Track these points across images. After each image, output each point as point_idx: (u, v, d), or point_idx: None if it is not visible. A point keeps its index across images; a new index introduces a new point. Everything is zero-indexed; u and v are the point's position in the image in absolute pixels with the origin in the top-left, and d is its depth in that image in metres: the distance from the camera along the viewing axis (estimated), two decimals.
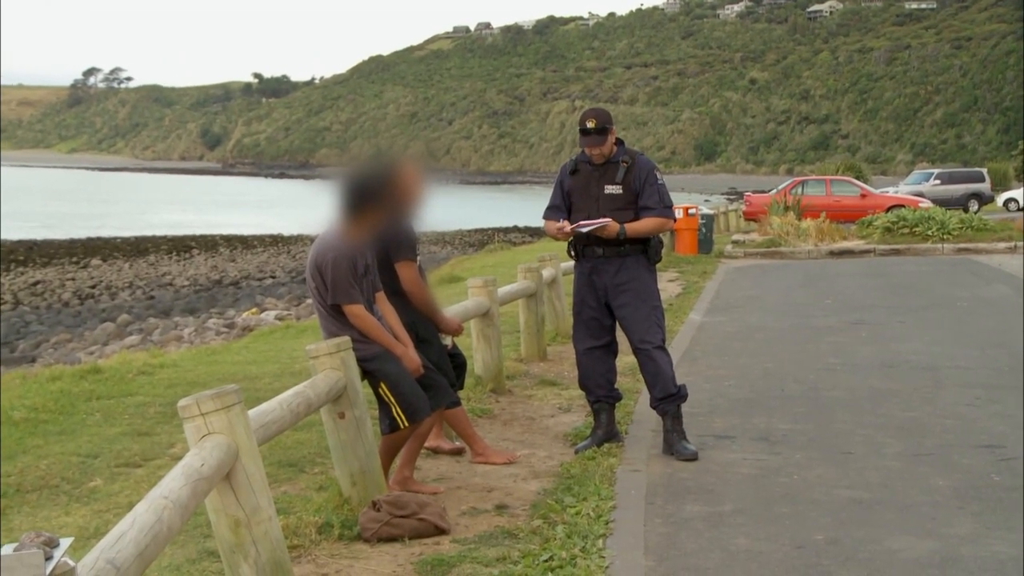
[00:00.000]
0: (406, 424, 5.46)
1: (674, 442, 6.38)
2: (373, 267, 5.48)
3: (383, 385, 5.43)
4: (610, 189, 6.33)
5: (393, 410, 5.44)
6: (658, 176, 6.40)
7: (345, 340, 5.23)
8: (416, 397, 5.46)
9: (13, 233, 45.50)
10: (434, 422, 5.97)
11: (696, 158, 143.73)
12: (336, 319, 5.37)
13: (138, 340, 19.03)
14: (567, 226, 6.34)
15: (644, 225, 6.32)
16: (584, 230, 6.25)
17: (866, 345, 10.43)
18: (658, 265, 6.63)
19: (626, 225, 6.27)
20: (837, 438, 6.75)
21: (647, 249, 6.40)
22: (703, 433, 6.86)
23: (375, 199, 5.41)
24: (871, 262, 21.27)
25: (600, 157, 6.34)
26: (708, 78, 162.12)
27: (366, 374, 5.47)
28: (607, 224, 6.22)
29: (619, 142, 6.45)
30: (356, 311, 5.32)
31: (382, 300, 5.57)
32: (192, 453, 3.62)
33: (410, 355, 5.50)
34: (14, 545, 2.26)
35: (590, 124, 6.27)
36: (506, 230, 48.18)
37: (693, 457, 6.28)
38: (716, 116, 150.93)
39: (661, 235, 6.58)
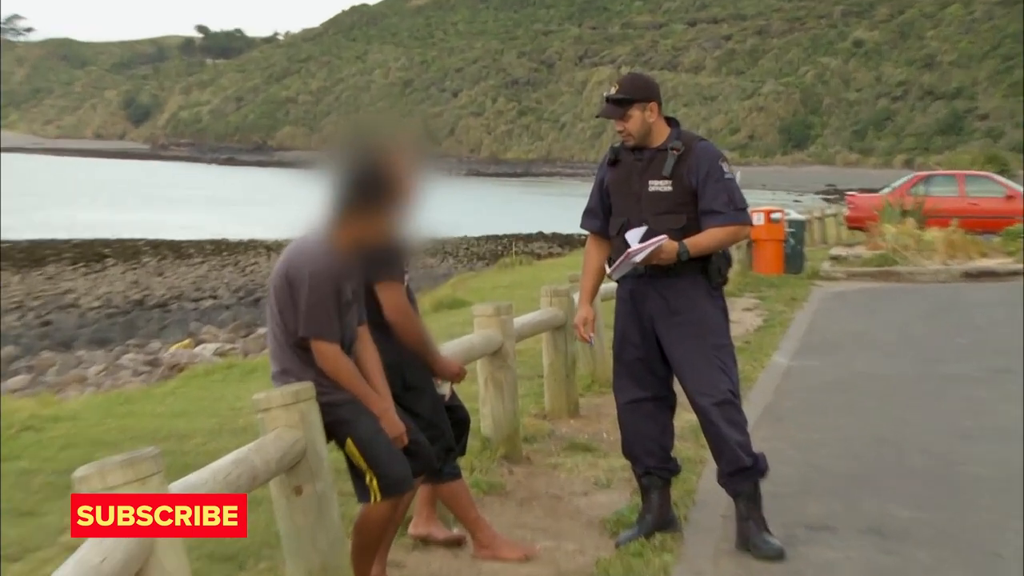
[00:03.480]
0: (379, 498, 5.36)
1: (751, 534, 6.30)
2: (360, 296, 5.41)
3: (350, 442, 5.32)
4: (655, 185, 6.24)
5: (366, 477, 5.34)
6: (725, 169, 6.29)
7: (307, 387, 5.14)
8: (396, 461, 5.37)
9: None
10: (412, 497, 5.87)
11: (782, 145, 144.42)
12: (297, 354, 5.29)
13: (26, 381, 19.05)
14: (591, 282, 6.52)
15: (711, 238, 6.20)
16: (636, 259, 6.11)
17: (1015, 403, 10.32)
18: (726, 288, 6.52)
19: (686, 241, 6.15)
20: (978, 532, 6.66)
21: (707, 267, 6.29)
22: (791, 522, 6.79)
23: (382, 196, 5.35)
24: (1020, 288, 21.14)
25: (628, 137, 6.29)
26: (798, 38, 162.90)
27: (329, 427, 5.36)
28: (662, 245, 6.10)
29: (673, 123, 6.39)
30: (328, 351, 5.22)
31: (364, 336, 5.49)
32: (90, 544, 3.55)
33: (391, 416, 5.40)
34: None
35: (610, 91, 6.30)
36: (527, 238, 48.41)
37: (777, 555, 6.20)
38: (809, 89, 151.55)
39: (729, 248, 6.47)
